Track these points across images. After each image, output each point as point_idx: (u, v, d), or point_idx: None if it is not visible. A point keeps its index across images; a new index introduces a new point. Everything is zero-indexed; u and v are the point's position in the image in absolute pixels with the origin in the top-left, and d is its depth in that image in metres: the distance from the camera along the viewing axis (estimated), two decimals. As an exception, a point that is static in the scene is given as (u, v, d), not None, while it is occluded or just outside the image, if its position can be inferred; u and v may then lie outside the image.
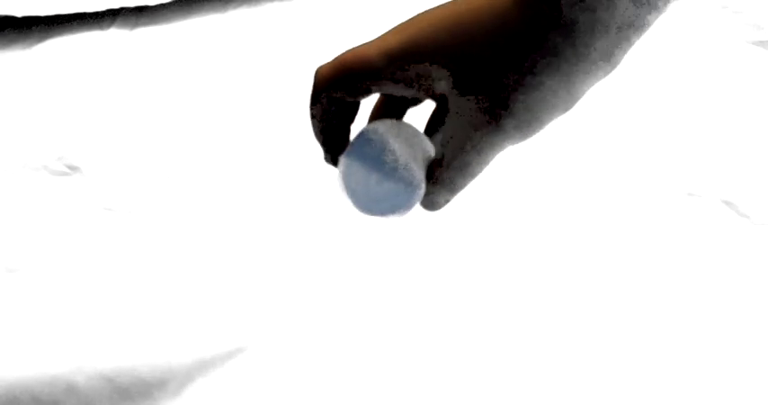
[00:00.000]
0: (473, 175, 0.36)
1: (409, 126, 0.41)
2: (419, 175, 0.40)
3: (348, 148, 0.42)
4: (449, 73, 0.32)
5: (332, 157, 0.39)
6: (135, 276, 0.53)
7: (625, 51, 0.32)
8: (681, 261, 0.53)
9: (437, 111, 0.41)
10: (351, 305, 0.51)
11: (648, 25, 0.31)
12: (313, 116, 0.37)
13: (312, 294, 0.52)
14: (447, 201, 0.37)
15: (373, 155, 0.41)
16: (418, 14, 0.34)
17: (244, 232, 0.57)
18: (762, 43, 0.72)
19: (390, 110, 0.42)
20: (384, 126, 0.41)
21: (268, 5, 0.78)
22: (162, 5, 0.77)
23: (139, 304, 0.51)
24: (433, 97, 0.34)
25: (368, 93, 0.35)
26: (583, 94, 0.33)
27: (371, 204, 0.43)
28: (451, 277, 0.53)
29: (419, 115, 0.64)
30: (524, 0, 0.31)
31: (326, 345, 0.48)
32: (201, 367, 0.46)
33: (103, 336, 0.48)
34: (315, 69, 0.37)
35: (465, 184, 0.36)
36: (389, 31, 0.34)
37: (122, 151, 0.63)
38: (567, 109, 0.33)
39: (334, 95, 0.35)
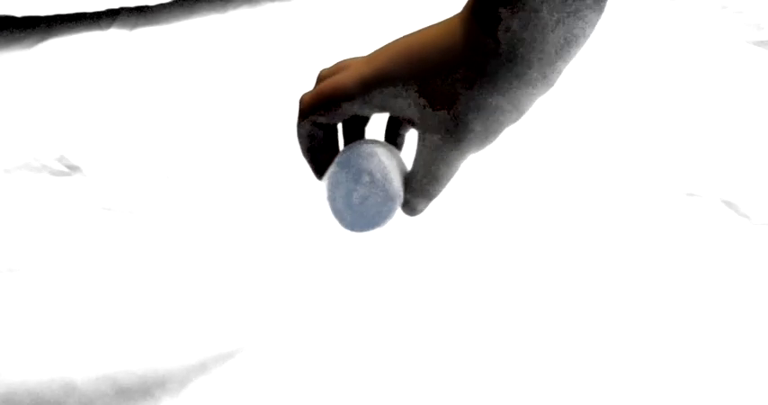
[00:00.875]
0: (444, 183, 0.42)
1: (384, 144, 0.45)
2: (397, 187, 0.44)
3: (330, 168, 0.45)
4: (411, 95, 0.38)
5: (320, 175, 0.45)
6: (135, 276, 0.53)
7: (560, 71, 0.37)
8: (681, 261, 0.53)
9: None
10: (350, 305, 0.51)
11: (584, 39, 0.36)
12: (299, 139, 0.42)
13: (311, 295, 0.52)
14: (425, 206, 0.43)
15: (353, 172, 0.45)
16: (386, 45, 0.40)
17: (243, 232, 0.57)
18: (762, 43, 0.72)
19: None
20: (361, 146, 0.45)
21: (268, 5, 0.79)
22: (162, 5, 0.77)
23: (139, 304, 0.51)
24: (404, 116, 0.40)
25: (345, 115, 0.41)
26: (529, 107, 0.39)
27: (355, 218, 0.46)
28: (451, 277, 0.53)
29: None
30: (467, 33, 0.37)
31: (325, 345, 0.48)
32: (201, 367, 0.46)
33: (103, 336, 0.48)
34: (299, 97, 0.43)
35: (439, 191, 0.42)
36: (362, 60, 0.40)
37: (122, 151, 0.63)
38: (516, 120, 0.39)
39: (316, 120, 0.41)
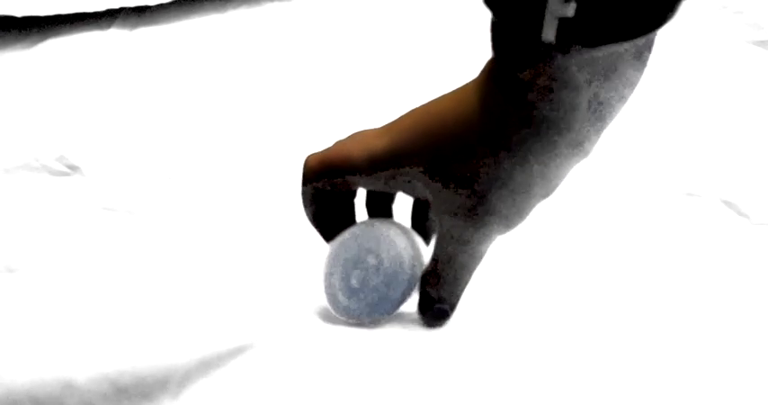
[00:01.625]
0: (466, 277, 0.38)
1: (403, 227, 0.41)
2: (407, 276, 0.40)
3: (333, 243, 0.42)
4: (423, 177, 0.34)
5: (327, 240, 0.41)
6: (135, 276, 0.53)
7: (597, 138, 0.33)
8: (681, 261, 0.53)
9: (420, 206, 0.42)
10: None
11: (622, 102, 0.32)
12: (303, 203, 0.39)
13: (313, 295, 0.52)
14: (452, 306, 0.39)
15: (358, 251, 0.41)
16: (401, 116, 0.36)
17: (244, 232, 0.57)
18: (762, 43, 0.72)
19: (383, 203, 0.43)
20: (374, 223, 0.41)
21: (268, 5, 0.78)
22: (162, 5, 0.77)
23: (140, 304, 0.51)
24: (414, 196, 0.36)
25: (351, 188, 0.37)
26: (561, 180, 0.34)
27: (352, 303, 0.43)
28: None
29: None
30: (486, 101, 0.32)
31: (327, 346, 0.48)
32: (202, 367, 0.46)
33: (104, 335, 0.48)
34: (305, 159, 0.40)
35: (461, 287, 0.38)
36: (375, 132, 0.36)
37: (122, 151, 0.63)
38: (546, 195, 0.34)
39: (318, 187, 0.38)
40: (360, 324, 0.47)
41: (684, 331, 0.49)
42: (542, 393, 0.45)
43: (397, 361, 0.46)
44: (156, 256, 0.55)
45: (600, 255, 0.54)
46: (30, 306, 0.51)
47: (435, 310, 0.40)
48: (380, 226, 0.41)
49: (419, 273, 0.42)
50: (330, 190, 0.38)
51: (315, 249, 0.55)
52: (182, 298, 0.52)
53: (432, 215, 0.42)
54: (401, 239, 0.40)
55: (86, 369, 0.46)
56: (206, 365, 0.46)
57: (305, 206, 0.39)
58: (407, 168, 0.34)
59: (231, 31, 0.75)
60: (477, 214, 0.34)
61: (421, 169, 0.34)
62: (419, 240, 0.42)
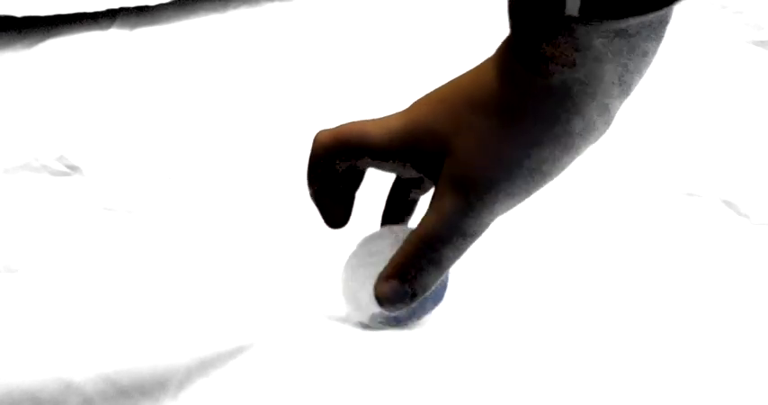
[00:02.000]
0: (458, 255, 0.36)
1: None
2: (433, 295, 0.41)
3: (348, 259, 0.42)
4: (440, 145, 0.33)
5: (330, 224, 0.40)
6: (135, 276, 0.53)
7: (619, 106, 0.32)
8: (681, 261, 0.53)
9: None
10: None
11: (645, 68, 0.32)
12: (308, 181, 0.38)
13: (313, 295, 0.52)
14: (434, 280, 0.37)
15: (373, 267, 0.41)
16: (416, 101, 0.35)
17: (244, 232, 0.57)
18: (762, 43, 0.72)
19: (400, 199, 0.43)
20: (386, 234, 0.41)
21: (268, 5, 0.78)
22: (162, 5, 0.77)
23: (140, 304, 0.51)
24: (428, 172, 0.35)
25: (362, 164, 0.36)
26: (579, 154, 0.34)
27: (367, 316, 0.43)
28: (451, 275, 0.53)
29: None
30: (507, 73, 0.32)
31: (328, 346, 0.48)
32: (202, 367, 0.46)
33: (104, 336, 0.48)
34: (315, 134, 0.38)
35: (449, 266, 0.36)
36: (387, 116, 0.35)
37: (122, 151, 0.63)
38: (561, 170, 0.34)
39: (329, 164, 0.36)
40: (365, 326, 0.47)
41: (684, 331, 0.49)
42: (542, 393, 0.45)
43: (396, 361, 0.46)
44: (156, 256, 0.55)
45: (600, 254, 0.54)
46: (30, 306, 0.51)
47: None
48: (396, 236, 0.41)
49: (446, 284, 0.43)
50: (338, 168, 0.37)
51: (315, 250, 0.55)
52: (181, 298, 0.52)
53: (415, 194, 0.42)
54: None
55: (86, 369, 0.46)
56: (206, 365, 0.46)
57: (309, 183, 0.38)
58: (427, 136, 0.33)
59: (231, 31, 0.75)
60: (492, 188, 0.33)
61: (445, 138, 0.33)
62: None
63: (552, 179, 0.35)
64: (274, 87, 0.69)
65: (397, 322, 0.46)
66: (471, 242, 0.36)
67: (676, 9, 0.33)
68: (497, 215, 0.35)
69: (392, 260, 0.37)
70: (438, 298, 0.45)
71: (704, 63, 0.70)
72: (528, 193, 0.34)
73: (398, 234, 0.40)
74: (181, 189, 0.60)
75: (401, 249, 0.37)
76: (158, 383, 0.45)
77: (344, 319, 0.48)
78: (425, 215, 0.36)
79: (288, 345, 0.48)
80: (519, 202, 0.35)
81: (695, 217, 0.57)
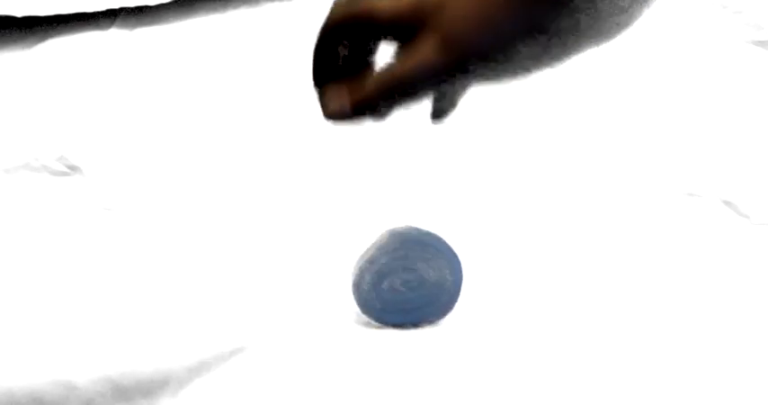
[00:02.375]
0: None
1: (429, 234, 0.43)
2: (442, 298, 0.42)
3: (361, 262, 0.42)
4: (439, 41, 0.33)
5: (316, 83, 0.39)
6: (135, 276, 0.53)
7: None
8: (681, 261, 0.53)
9: None
10: (351, 304, 0.51)
11: None
12: (317, 43, 0.37)
13: (313, 295, 0.52)
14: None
15: (387, 269, 0.42)
16: None
17: (244, 232, 0.57)
18: (762, 43, 0.72)
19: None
20: (400, 236, 0.42)
21: (268, 5, 0.78)
22: (162, 5, 0.77)
23: (140, 304, 0.51)
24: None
25: (371, 41, 0.36)
26: (572, 54, 0.34)
27: (391, 305, 0.44)
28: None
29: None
30: None
31: (327, 345, 0.48)
32: (201, 368, 0.46)
33: (104, 336, 0.48)
34: (333, 3, 0.38)
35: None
36: None
37: (122, 151, 0.63)
38: (561, 61, 0.34)
39: (335, 39, 0.37)
40: (368, 324, 0.48)
41: (684, 330, 0.49)
42: (542, 393, 0.45)
43: (394, 361, 0.46)
44: (156, 256, 0.55)
45: (601, 254, 0.54)
46: (30, 307, 0.51)
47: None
48: (425, 238, 0.42)
49: (459, 289, 0.43)
50: (345, 44, 0.37)
51: (314, 250, 0.55)
52: (181, 299, 0.52)
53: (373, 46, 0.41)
54: (427, 249, 0.43)
55: (87, 370, 0.46)
56: (205, 366, 0.46)
57: (316, 47, 0.38)
58: (426, 33, 0.33)
59: (231, 31, 0.75)
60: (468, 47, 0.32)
61: (438, 35, 0.33)
62: (444, 243, 0.44)
63: (531, 69, 0.34)
64: (274, 87, 0.69)
65: (400, 324, 0.46)
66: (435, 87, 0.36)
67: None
68: (471, 80, 0.35)
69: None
70: (447, 308, 0.46)
71: (704, 63, 0.70)
72: (532, 70, 0.34)
73: (404, 235, 0.41)
74: (181, 189, 0.60)
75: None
76: (158, 383, 0.45)
77: (348, 320, 0.48)
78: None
79: (285, 345, 0.48)
80: (496, 77, 0.34)
81: (695, 217, 0.57)
